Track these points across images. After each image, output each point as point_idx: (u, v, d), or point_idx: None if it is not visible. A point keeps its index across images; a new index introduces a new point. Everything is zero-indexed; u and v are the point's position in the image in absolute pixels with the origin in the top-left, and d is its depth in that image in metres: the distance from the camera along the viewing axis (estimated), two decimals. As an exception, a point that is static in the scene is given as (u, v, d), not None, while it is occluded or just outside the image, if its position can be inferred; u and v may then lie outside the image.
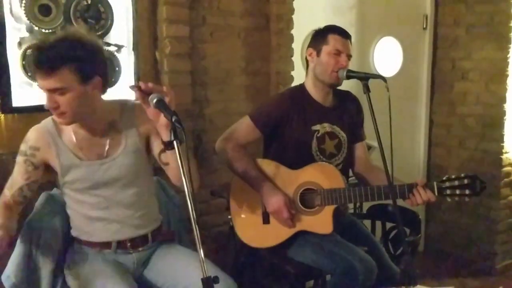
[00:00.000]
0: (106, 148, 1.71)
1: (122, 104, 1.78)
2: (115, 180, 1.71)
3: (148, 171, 1.83)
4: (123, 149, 1.72)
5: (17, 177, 1.69)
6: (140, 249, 1.78)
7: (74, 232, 1.78)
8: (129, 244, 1.75)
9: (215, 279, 1.29)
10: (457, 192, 1.94)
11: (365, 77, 1.96)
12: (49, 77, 1.51)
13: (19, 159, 1.69)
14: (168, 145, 1.46)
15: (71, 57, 1.52)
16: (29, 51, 2.08)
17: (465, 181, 1.93)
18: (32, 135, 1.69)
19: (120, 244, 1.75)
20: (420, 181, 1.98)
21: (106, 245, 1.74)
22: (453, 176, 1.96)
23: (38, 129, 1.70)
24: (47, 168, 1.71)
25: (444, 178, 1.97)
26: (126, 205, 1.74)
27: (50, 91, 1.54)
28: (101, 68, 1.63)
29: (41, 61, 1.51)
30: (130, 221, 1.75)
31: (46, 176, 1.75)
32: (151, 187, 1.87)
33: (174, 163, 1.61)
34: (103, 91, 1.67)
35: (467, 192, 1.93)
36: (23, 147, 1.69)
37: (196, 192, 1.65)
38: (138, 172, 1.76)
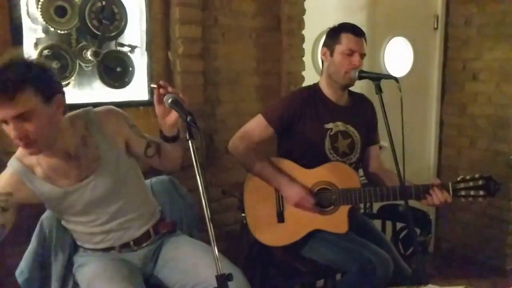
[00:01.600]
0: (84, 169, 1.63)
1: (85, 117, 1.66)
2: (105, 195, 1.67)
3: (134, 170, 1.78)
4: (102, 163, 1.65)
5: (4, 222, 1.54)
6: (144, 245, 1.78)
7: (78, 242, 1.80)
8: (132, 243, 1.76)
9: (229, 277, 1.31)
10: (472, 193, 1.94)
11: (377, 78, 1.97)
12: (11, 104, 1.38)
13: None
14: (171, 140, 1.64)
15: (28, 78, 1.40)
16: (45, 51, 2.12)
17: (480, 182, 1.93)
18: (2, 182, 1.58)
19: (124, 245, 1.76)
20: (435, 180, 1.98)
21: (109, 249, 1.76)
22: (467, 177, 1.95)
23: (6, 175, 1.60)
24: (27, 204, 1.63)
25: (458, 179, 1.96)
26: (122, 213, 1.72)
27: (15, 119, 1.40)
28: (58, 85, 1.53)
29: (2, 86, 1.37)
30: (129, 225, 1.75)
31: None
32: (142, 184, 1.84)
33: (172, 153, 1.73)
34: (65, 110, 1.56)
35: (481, 193, 1.93)
36: None
37: (174, 169, 1.80)
38: (125, 179, 1.72)
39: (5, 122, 1.43)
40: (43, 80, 1.45)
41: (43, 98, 1.44)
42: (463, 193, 1.95)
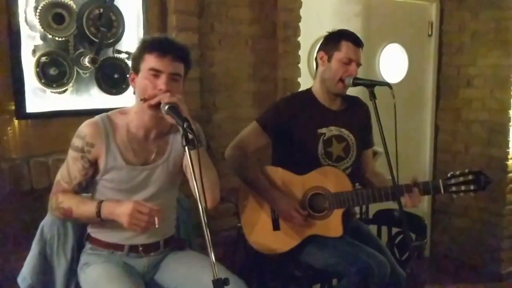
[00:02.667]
0: (152, 156, 1.77)
1: None
2: (150, 187, 1.76)
3: (176, 184, 1.89)
4: (165, 158, 1.79)
5: (75, 173, 1.70)
6: (152, 254, 1.82)
7: (90, 228, 1.81)
8: (141, 248, 1.79)
9: (226, 281, 1.32)
10: (463, 188, 1.96)
11: (371, 84, 2.00)
12: (177, 62, 1.66)
13: (75, 155, 1.69)
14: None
15: (188, 56, 1.73)
16: (43, 58, 2.13)
17: (470, 176, 1.95)
18: (89, 130, 1.70)
19: (132, 248, 1.78)
20: (414, 177, 2.01)
21: (119, 247, 1.78)
22: (457, 173, 1.98)
23: (94, 124, 1.71)
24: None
25: (448, 175, 1.99)
26: None
27: (171, 76, 1.64)
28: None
29: (176, 47, 1.68)
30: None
31: None
32: (174, 201, 1.92)
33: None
34: None
35: (472, 187, 1.95)
36: (78, 142, 1.70)
37: (213, 206, 1.74)
38: (171, 183, 1.83)
39: (157, 75, 1.63)
40: (190, 64, 1.75)
41: (184, 76, 1.72)
42: (454, 188, 1.97)
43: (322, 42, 2.20)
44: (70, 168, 1.71)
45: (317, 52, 2.21)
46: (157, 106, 1.61)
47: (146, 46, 1.67)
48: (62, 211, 1.69)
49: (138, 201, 1.63)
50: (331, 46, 2.13)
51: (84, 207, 1.67)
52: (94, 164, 1.72)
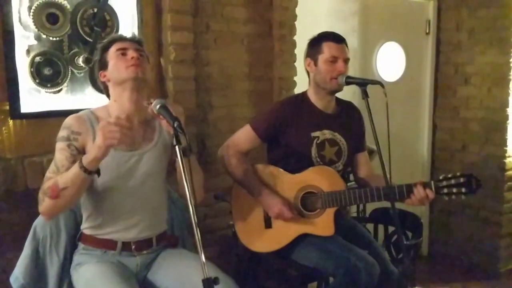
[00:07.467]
0: (139, 141, 1.78)
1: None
2: (140, 174, 1.76)
3: (163, 174, 1.87)
4: (153, 145, 1.81)
5: (63, 161, 1.67)
6: (144, 252, 1.82)
7: (84, 225, 1.81)
8: (133, 246, 1.79)
9: (216, 280, 1.33)
10: (454, 190, 1.96)
11: (363, 83, 2.00)
12: (137, 43, 1.82)
13: (62, 145, 1.69)
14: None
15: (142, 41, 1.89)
16: (37, 58, 2.13)
17: (461, 179, 1.95)
18: (73, 121, 1.72)
19: (125, 246, 1.78)
20: (420, 182, 1.99)
21: (111, 245, 1.78)
22: (449, 175, 1.98)
23: (78, 116, 1.75)
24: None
25: (441, 177, 1.99)
26: (139, 204, 1.77)
27: (136, 50, 1.77)
28: None
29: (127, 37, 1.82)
30: (138, 222, 1.78)
31: None
32: (162, 193, 1.90)
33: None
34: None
35: (463, 190, 1.95)
36: (64, 133, 1.70)
37: (197, 203, 1.68)
38: (159, 171, 1.82)
39: (124, 53, 1.75)
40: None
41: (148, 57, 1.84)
42: (445, 190, 1.96)
43: (306, 49, 2.23)
44: (57, 159, 1.69)
45: (304, 60, 2.22)
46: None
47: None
48: (49, 192, 1.61)
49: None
50: (314, 51, 2.16)
51: (68, 172, 1.61)
52: (82, 153, 1.69)
